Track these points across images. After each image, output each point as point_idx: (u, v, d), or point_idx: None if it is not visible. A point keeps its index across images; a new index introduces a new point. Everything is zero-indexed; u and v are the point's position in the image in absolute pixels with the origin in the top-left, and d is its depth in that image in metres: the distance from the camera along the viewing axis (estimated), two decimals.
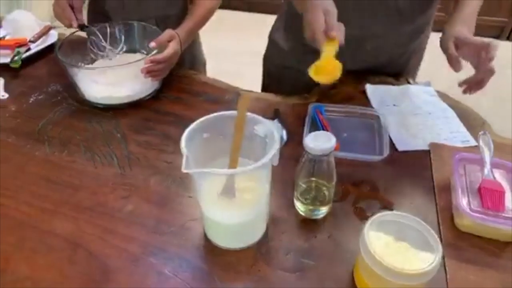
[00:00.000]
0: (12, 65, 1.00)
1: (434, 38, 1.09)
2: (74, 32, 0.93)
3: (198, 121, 0.55)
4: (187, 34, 0.95)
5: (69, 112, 0.88)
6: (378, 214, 0.52)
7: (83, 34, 0.94)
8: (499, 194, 0.60)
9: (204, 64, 1.24)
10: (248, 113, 0.55)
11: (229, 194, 0.56)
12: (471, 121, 0.84)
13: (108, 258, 0.58)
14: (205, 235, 0.61)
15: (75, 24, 0.90)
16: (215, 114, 0.57)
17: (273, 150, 0.51)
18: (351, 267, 0.57)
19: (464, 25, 0.77)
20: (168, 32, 0.89)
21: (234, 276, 0.56)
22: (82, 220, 0.64)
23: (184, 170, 0.48)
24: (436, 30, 1.04)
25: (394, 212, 0.56)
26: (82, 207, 0.66)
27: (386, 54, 0.96)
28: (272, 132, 0.54)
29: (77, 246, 0.60)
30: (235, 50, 2.74)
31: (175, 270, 0.57)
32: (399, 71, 1.02)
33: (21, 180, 0.71)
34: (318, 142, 0.56)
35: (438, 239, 0.48)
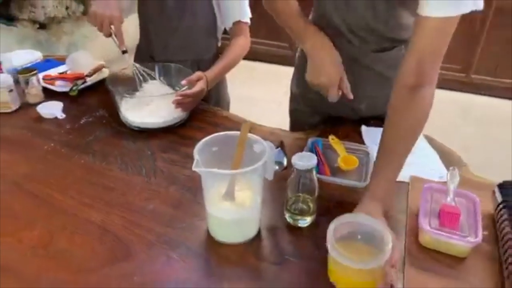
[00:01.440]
0: (71, 93, 1.22)
1: None
2: (122, 69, 1.15)
3: (209, 137, 0.72)
4: (213, 76, 1.14)
5: (111, 132, 1.07)
6: (340, 216, 0.65)
7: (128, 70, 1.16)
8: (456, 216, 0.71)
9: (228, 103, 1.43)
10: (249, 134, 0.71)
11: (230, 197, 0.71)
12: (452, 161, 0.96)
13: (130, 242, 0.73)
14: (208, 232, 0.75)
15: (122, 48, 1.07)
16: (223, 132, 0.73)
17: (264, 158, 0.65)
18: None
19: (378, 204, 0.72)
20: (197, 74, 1.08)
21: (227, 263, 0.69)
22: (112, 213, 0.80)
23: (194, 169, 0.63)
24: None
25: (352, 214, 0.69)
26: (114, 203, 0.82)
27: (381, 110, 1.10)
28: (265, 149, 0.69)
29: (106, 232, 0.75)
30: (259, 97, 2.97)
31: (181, 255, 0.71)
32: None
33: (69, 180, 0.89)
34: (302, 160, 0.71)
35: (388, 232, 0.61)
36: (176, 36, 1.21)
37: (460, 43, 3.00)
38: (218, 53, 1.29)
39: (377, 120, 1.09)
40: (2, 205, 0.81)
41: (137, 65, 1.14)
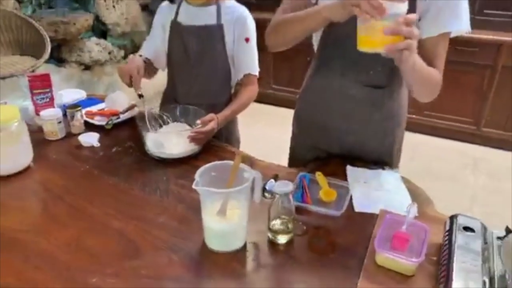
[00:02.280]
0: (106, 127, 1.46)
1: (408, 137, 1.41)
2: (150, 109, 1.39)
3: (209, 164, 0.91)
4: (224, 118, 1.36)
5: (135, 160, 1.29)
6: None
7: (154, 109, 1.39)
8: (405, 241, 0.86)
9: (238, 141, 1.63)
10: (241, 164, 0.90)
11: (222, 214, 0.89)
12: (421, 199, 1.10)
13: (140, 245, 0.92)
14: (203, 241, 0.93)
15: (138, 91, 1.32)
16: (221, 161, 0.93)
17: (249, 182, 0.84)
18: (302, 277, 0.84)
19: None
20: (210, 115, 1.30)
21: (216, 267, 0.86)
22: (129, 222, 0.99)
23: (193, 187, 0.82)
24: (408, 129, 1.37)
25: None
26: (132, 215, 1.02)
27: (368, 147, 1.28)
28: (253, 176, 0.88)
29: (123, 236, 0.94)
30: (269, 136, 3.17)
31: (181, 258, 0.88)
32: (382, 159, 1.31)
33: (99, 195, 1.10)
34: (280, 187, 0.89)
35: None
36: (196, 83, 1.45)
37: (471, 97, 3.15)
38: (231, 98, 1.51)
39: (362, 162, 1.26)
40: (48, 211, 1.03)
41: (152, 109, 1.37)
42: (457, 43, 2.59)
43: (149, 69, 1.46)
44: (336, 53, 1.17)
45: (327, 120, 1.24)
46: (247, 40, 1.40)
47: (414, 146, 3.14)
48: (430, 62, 1.02)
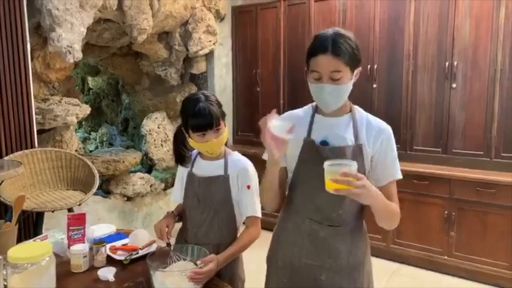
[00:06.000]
0: (124, 262, 1.65)
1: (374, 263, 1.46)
2: (162, 248, 1.57)
3: None
4: (224, 259, 1.51)
5: None
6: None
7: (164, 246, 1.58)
8: None
9: (242, 281, 1.72)
10: None
11: None
12: None
13: None
14: None
15: (166, 241, 1.54)
16: None
17: None
18: None
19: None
20: (211, 256, 1.45)
21: None
22: None
23: None
24: (374, 255, 1.46)
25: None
26: None
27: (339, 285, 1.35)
28: None
29: None
30: None
31: None
32: None
33: None
34: None
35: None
36: (203, 226, 1.65)
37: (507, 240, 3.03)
38: (236, 238, 1.67)
39: None
40: None
41: (174, 246, 1.56)
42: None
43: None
44: (301, 200, 1.38)
45: (297, 260, 1.37)
46: (248, 187, 1.62)
47: None
48: (390, 198, 1.31)
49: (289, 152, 1.31)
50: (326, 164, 1.17)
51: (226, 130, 1.63)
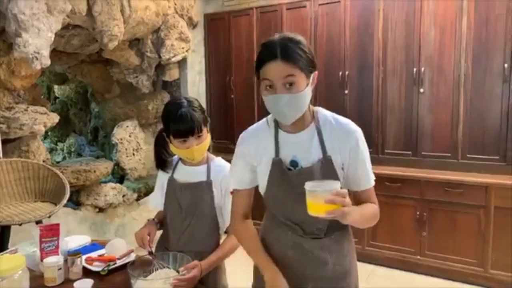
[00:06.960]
0: (101, 273, 1.58)
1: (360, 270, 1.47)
2: (143, 256, 1.52)
3: None
4: (208, 265, 1.48)
5: None
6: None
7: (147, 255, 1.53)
8: None
9: None
10: None
11: None
12: None
13: None
14: None
15: (148, 249, 1.49)
16: None
17: None
18: None
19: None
20: (194, 262, 1.42)
21: None
22: None
23: None
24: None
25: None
26: None
27: None
28: None
29: None
30: None
31: None
32: None
33: None
34: None
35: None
36: (186, 232, 1.61)
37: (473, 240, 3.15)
38: (218, 245, 1.65)
39: None
40: None
41: (155, 254, 1.52)
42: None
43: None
44: (280, 216, 1.34)
45: (282, 270, 1.33)
46: (231, 193, 1.60)
47: None
48: (368, 201, 1.31)
49: (259, 170, 1.31)
50: (307, 186, 1.09)
51: (209, 136, 1.61)
